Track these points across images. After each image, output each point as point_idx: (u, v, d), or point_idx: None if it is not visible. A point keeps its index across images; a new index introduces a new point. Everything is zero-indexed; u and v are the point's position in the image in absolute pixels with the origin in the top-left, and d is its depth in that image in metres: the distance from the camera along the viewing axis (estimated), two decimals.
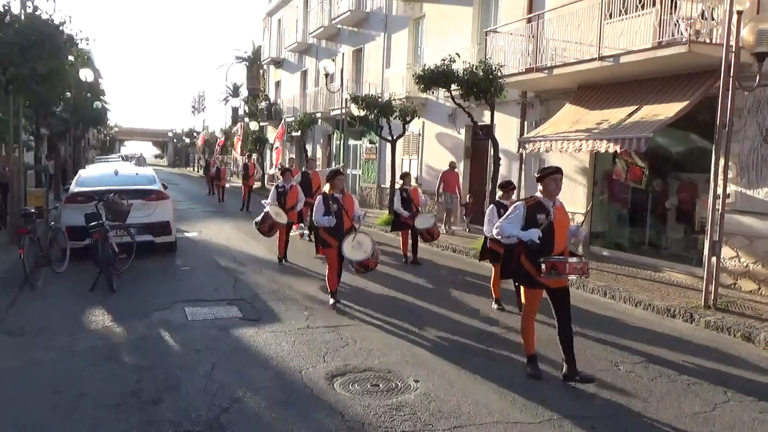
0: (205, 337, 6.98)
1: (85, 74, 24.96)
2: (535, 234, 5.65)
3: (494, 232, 6.03)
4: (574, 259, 5.87)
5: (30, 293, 8.95)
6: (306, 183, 14.16)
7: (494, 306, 8.69)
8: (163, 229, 11.91)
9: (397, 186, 13.21)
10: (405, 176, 12.52)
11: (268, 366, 6.13)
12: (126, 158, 47.80)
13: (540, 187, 6.00)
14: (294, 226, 13.20)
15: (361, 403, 5.19)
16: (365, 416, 4.94)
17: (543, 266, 5.66)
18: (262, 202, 11.86)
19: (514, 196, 15.41)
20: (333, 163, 25.35)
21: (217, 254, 12.73)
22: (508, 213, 6.06)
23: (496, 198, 8.88)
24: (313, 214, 8.37)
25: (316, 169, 16.77)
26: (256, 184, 27.61)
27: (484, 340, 7.19)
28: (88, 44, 14.00)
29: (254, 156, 33.11)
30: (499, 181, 10.89)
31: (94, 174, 13.67)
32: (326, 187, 8.51)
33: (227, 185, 29.79)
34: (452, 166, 17.17)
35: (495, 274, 8.52)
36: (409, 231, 12.20)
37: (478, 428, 4.79)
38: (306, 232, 14.86)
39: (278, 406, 5.14)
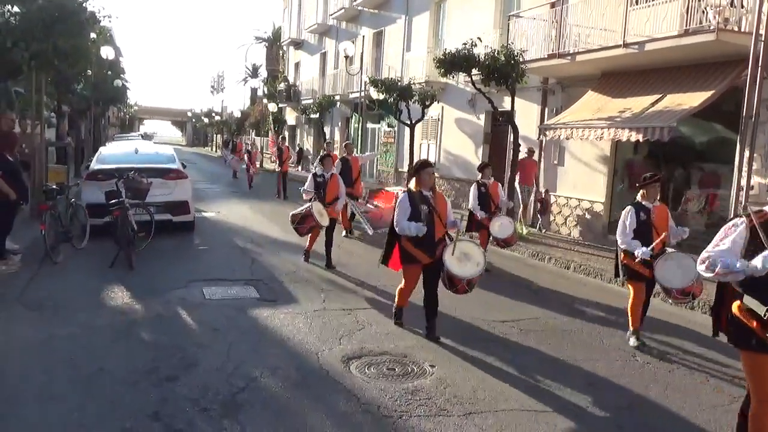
0: (222, 317, 7.02)
1: (106, 52, 25.03)
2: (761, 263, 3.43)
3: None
4: None
5: (50, 268, 9.05)
6: (346, 171, 12.40)
7: (632, 341, 6.65)
8: (181, 208, 11.97)
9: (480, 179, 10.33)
10: (484, 167, 10.34)
11: (284, 347, 6.16)
12: (145, 136, 48.06)
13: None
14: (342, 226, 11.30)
15: (376, 387, 5.21)
16: (381, 399, 4.96)
17: None
18: (300, 189, 10.18)
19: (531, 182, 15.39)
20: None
21: (234, 234, 12.79)
22: (720, 236, 3.84)
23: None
24: (395, 219, 6.39)
25: (355, 154, 14.54)
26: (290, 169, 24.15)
27: (503, 328, 7.17)
28: (110, 21, 14.02)
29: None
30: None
31: (115, 152, 13.75)
32: (411, 183, 6.60)
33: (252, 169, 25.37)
34: (530, 152, 14.71)
35: (634, 296, 6.69)
36: (487, 234, 9.96)
37: (494, 415, 4.79)
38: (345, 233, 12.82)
39: (294, 388, 5.16)
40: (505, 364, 5.88)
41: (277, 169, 22.82)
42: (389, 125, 23.93)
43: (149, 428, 4.39)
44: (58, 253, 9.62)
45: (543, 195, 14.65)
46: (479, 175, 10.33)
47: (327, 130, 30.04)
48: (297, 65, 38.62)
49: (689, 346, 6.86)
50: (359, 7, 26.20)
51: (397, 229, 6.37)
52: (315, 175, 9.91)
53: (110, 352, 5.84)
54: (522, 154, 14.47)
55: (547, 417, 4.80)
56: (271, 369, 5.52)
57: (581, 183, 13.87)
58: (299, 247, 11.60)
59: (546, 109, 15.09)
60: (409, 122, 19.07)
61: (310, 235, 9.75)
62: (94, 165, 12.22)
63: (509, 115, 14.36)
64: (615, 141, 12.41)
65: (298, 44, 37.78)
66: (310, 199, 9.63)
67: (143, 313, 7.12)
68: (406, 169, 19.47)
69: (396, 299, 6.86)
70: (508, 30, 14.67)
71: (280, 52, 46.68)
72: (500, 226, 9.67)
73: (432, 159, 20.26)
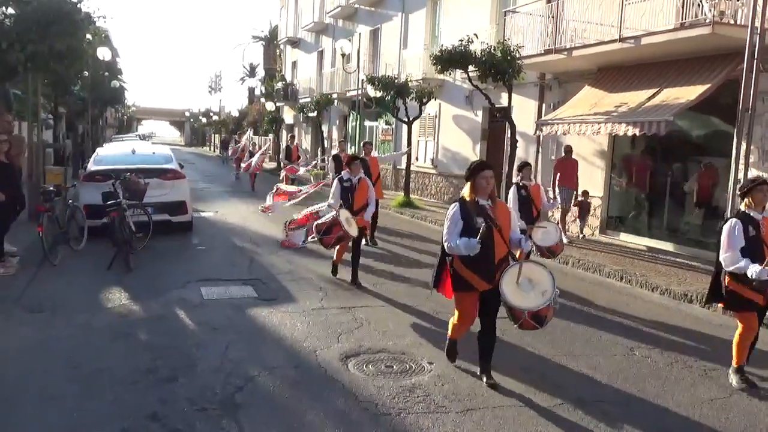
0: (221, 317, 7.03)
1: (103, 53, 24.99)
2: None
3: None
4: None
5: (48, 270, 9.05)
6: (364, 173, 11.04)
7: (736, 381, 5.51)
8: (179, 209, 11.97)
9: (514, 180, 9.59)
10: (524, 167, 9.10)
11: (282, 346, 6.17)
12: (143, 137, 48.04)
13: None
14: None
15: (374, 384, 5.21)
16: (379, 397, 4.96)
17: None
18: (328, 203, 8.88)
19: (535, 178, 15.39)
20: (351, 146, 25.07)
21: (233, 234, 12.79)
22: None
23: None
24: (444, 235, 5.19)
25: (373, 154, 13.28)
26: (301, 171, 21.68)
27: (501, 324, 7.14)
28: (105, 22, 14.04)
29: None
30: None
31: (112, 152, 13.75)
32: (465, 190, 5.27)
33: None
34: (569, 151, 13.23)
35: (744, 329, 5.54)
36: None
37: (492, 411, 4.79)
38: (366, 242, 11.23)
39: (292, 386, 5.17)
40: (503, 361, 5.85)
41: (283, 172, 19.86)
42: (387, 123, 23.91)
43: (148, 428, 4.39)
44: (57, 255, 9.62)
45: (581, 198, 13.21)
46: (518, 176, 9.23)
47: (325, 128, 30.02)
48: (294, 64, 38.59)
49: (687, 341, 6.88)
50: (356, 5, 26.15)
51: (446, 247, 5.21)
52: (341, 179, 8.77)
53: (109, 352, 5.85)
54: (463, 150, 13.88)
55: (545, 413, 4.81)
56: (270, 368, 5.52)
57: (579, 178, 13.87)
58: (298, 247, 11.60)
59: (543, 105, 15.08)
60: (406, 119, 19.05)
61: (337, 247, 8.62)
62: (91, 166, 12.21)
63: (506, 111, 14.35)
64: (612, 135, 12.41)
65: (295, 43, 37.76)
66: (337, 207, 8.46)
67: (142, 314, 7.12)
68: (404, 166, 19.48)
69: (449, 331, 5.68)
70: (505, 26, 14.64)
71: (278, 51, 46.67)
72: (544, 234, 8.02)
73: (430, 156, 20.31)
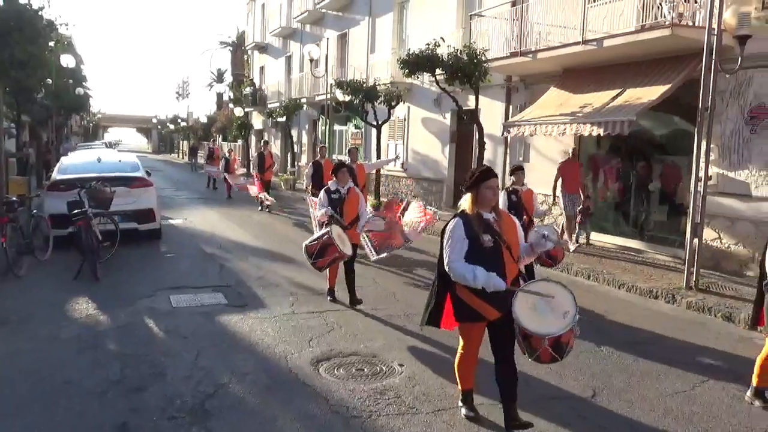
0: (190, 324, 6.97)
1: (66, 60, 24.60)
2: None
3: None
4: None
5: (13, 282, 8.88)
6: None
7: (758, 403, 5.11)
8: (147, 217, 11.86)
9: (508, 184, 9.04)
10: (516, 170, 8.60)
11: (253, 352, 6.14)
12: (109, 145, 47.37)
13: None
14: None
15: (346, 388, 5.23)
16: (350, 400, 4.98)
17: None
18: (315, 213, 8.34)
19: (498, 180, 15.56)
20: (317, 151, 25.00)
21: (202, 241, 12.68)
22: None
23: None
24: (446, 258, 4.36)
25: (360, 161, 12.34)
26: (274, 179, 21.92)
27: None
28: (68, 29, 13.82)
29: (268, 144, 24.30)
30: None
31: (77, 161, 13.54)
32: (465, 202, 4.48)
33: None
34: (574, 154, 12.47)
35: None
36: None
37: (461, 410, 4.83)
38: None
39: (263, 392, 5.16)
40: None
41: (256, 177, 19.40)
42: (356, 127, 23.94)
43: None
44: (21, 266, 9.45)
45: (584, 202, 12.22)
46: (509, 180, 8.81)
47: (294, 133, 29.92)
48: (262, 69, 38.41)
49: (653, 336, 7.02)
50: (323, 10, 26.15)
51: (450, 274, 4.34)
52: (329, 191, 8.00)
53: (76, 364, 5.76)
54: (433, 152, 12.67)
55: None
56: (240, 374, 5.50)
57: (547, 179, 14.03)
58: (268, 252, 11.60)
59: (510, 107, 15.24)
60: (375, 123, 19.11)
61: (329, 268, 7.79)
62: (56, 175, 12.03)
63: (474, 114, 14.48)
64: (578, 136, 12.60)
65: (262, 48, 37.60)
66: (325, 223, 7.79)
67: (109, 324, 7.03)
68: (374, 170, 19.51)
69: (458, 378, 4.75)
70: (470, 29, 14.79)
71: (245, 56, 46.39)
72: (538, 237, 7.83)
73: (400, 159, 20.36)
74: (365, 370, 5.66)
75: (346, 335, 6.68)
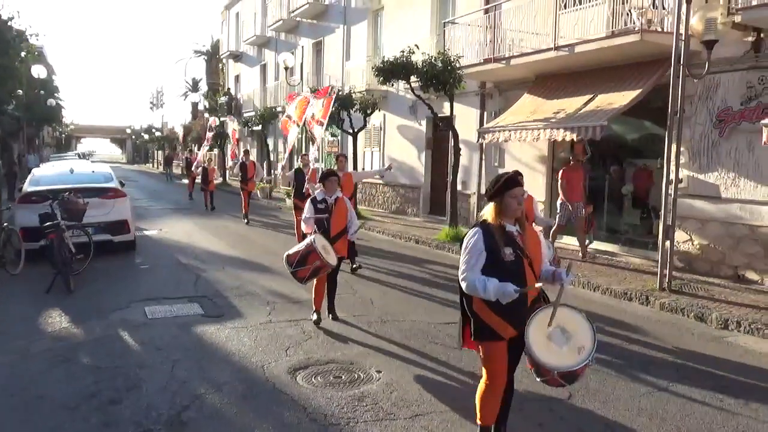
0: (166, 336, 6.90)
1: (38, 70, 24.31)
2: None
3: None
4: None
5: None
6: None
7: None
8: (121, 228, 11.73)
9: None
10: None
11: (229, 362, 6.10)
12: (82, 156, 46.79)
13: None
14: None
15: (323, 395, 5.21)
16: (328, 408, 4.97)
17: None
18: (304, 218, 7.53)
19: (474, 186, 15.54)
20: (297, 159, 24.91)
21: (178, 252, 12.57)
22: None
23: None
24: (461, 270, 3.99)
25: (348, 170, 11.83)
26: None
27: (448, 330, 7.26)
28: (38, 39, 13.67)
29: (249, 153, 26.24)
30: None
31: (49, 173, 13.37)
32: (487, 212, 4.09)
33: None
34: (577, 160, 11.75)
35: None
36: None
37: (439, 415, 4.86)
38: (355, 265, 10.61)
39: (240, 402, 5.12)
40: (450, 366, 5.96)
41: (240, 187, 18.80)
42: (333, 135, 23.94)
43: None
44: None
45: (586, 210, 11.59)
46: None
47: (270, 141, 29.84)
48: (237, 78, 38.30)
49: (627, 337, 7.10)
50: (297, 18, 26.17)
51: (463, 286, 3.99)
52: (315, 201, 7.54)
53: (49, 378, 5.67)
54: (409, 159, 12.11)
55: None
56: (217, 385, 5.46)
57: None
58: (245, 261, 11.52)
59: (485, 113, 15.37)
60: (351, 131, 19.14)
61: (315, 281, 7.30)
62: (27, 187, 11.84)
63: (449, 121, 14.57)
64: (551, 141, 12.74)
65: (237, 57, 37.49)
66: (310, 232, 7.32)
67: (83, 337, 6.93)
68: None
69: (477, 411, 4.21)
70: (444, 37, 14.90)
71: (220, 65, 46.20)
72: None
73: (376, 166, 20.38)
74: (343, 377, 5.65)
75: (323, 343, 6.66)
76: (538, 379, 4.01)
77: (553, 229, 11.60)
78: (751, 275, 9.63)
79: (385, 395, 5.24)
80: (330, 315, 7.57)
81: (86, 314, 7.76)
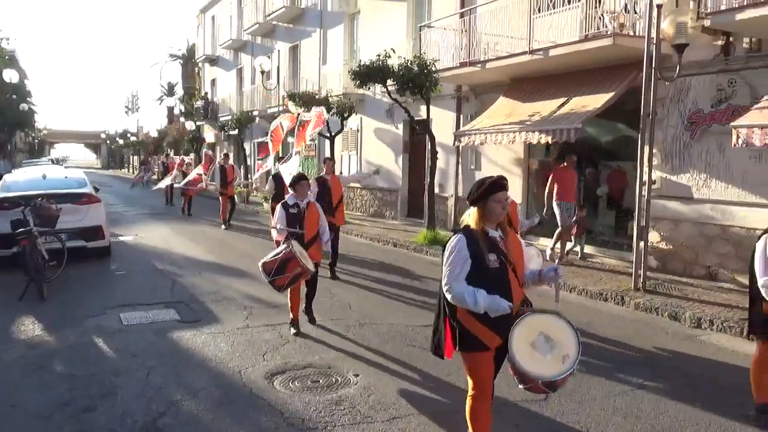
0: (141, 342, 6.84)
1: (9, 75, 24.00)
2: None
3: None
4: None
5: None
6: (324, 195, 10.29)
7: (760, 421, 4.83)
8: (95, 234, 11.59)
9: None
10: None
11: (206, 367, 6.06)
12: (56, 161, 46.17)
13: None
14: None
15: (301, 400, 5.20)
16: (305, 412, 4.95)
17: None
18: (275, 227, 7.31)
19: (451, 189, 15.60)
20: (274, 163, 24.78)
21: (154, 257, 12.45)
22: None
23: None
24: (445, 279, 3.80)
25: (335, 173, 11.40)
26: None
27: (426, 332, 7.27)
28: (9, 43, 13.46)
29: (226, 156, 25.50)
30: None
31: (21, 179, 13.16)
32: (470, 217, 3.93)
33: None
34: (569, 161, 11.50)
35: (761, 356, 4.86)
36: None
37: (417, 418, 4.87)
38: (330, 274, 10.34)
39: (217, 408, 5.09)
40: (428, 369, 5.96)
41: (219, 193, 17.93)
42: (310, 138, 23.88)
43: None
44: None
45: (579, 212, 11.54)
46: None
47: (247, 146, 29.69)
48: (213, 82, 38.06)
49: (603, 337, 7.17)
50: (274, 22, 26.09)
51: (447, 295, 3.81)
52: (286, 205, 7.30)
53: (22, 387, 5.59)
54: (387, 162, 11.88)
55: (458, 414, 4.89)
56: (193, 391, 5.42)
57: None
58: (222, 266, 11.44)
59: (461, 116, 15.45)
60: (328, 134, 19.12)
61: (289, 289, 7.09)
62: None
63: (426, 124, 14.63)
64: (527, 144, 12.85)
65: (213, 61, 37.26)
66: (283, 239, 7.06)
67: (57, 344, 6.84)
68: None
69: (470, 428, 4.04)
70: (420, 40, 14.97)
71: (196, 69, 45.90)
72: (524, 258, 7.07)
73: (354, 170, 20.37)
74: (320, 381, 5.64)
75: (301, 347, 6.65)
76: (520, 386, 3.93)
77: (557, 232, 11.39)
78: (723, 274, 9.79)
79: (363, 399, 5.24)
80: (308, 319, 7.47)
81: (60, 321, 7.66)
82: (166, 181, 22.71)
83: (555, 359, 3.73)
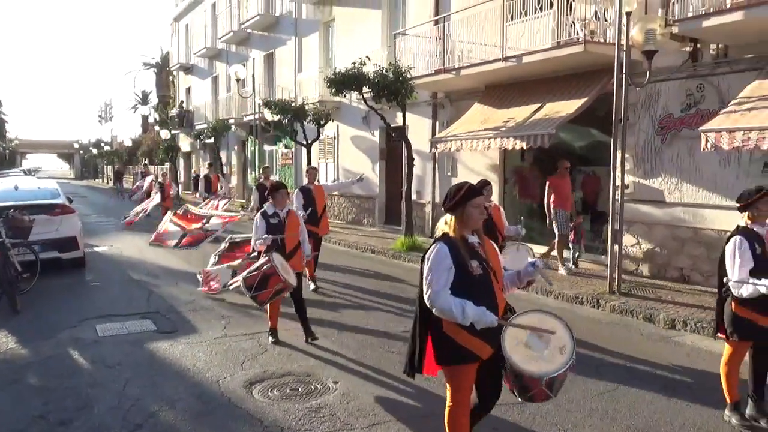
0: (118, 353, 6.77)
1: None
2: None
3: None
4: None
5: None
6: (308, 205, 10.18)
7: (734, 420, 4.84)
8: (69, 245, 11.46)
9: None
10: (485, 185, 7.01)
11: (184, 378, 6.02)
12: (28, 172, 45.47)
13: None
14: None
15: (280, 408, 5.19)
16: (284, 420, 4.95)
17: None
18: (255, 242, 7.11)
19: (428, 195, 15.67)
20: (251, 171, 24.70)
21: (129, 268, 12.33)
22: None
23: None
24: (428, 290, 3.62)
25: (317, 182, 11.22)
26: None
27: (404, 339, 7.30)
28: None
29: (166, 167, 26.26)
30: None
31: None
32: (445, 225, 3.82)
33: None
34: (565, 167, 11.18)
35: (733, 354, 4.88)
36: None
37: (396, 424, 4.89)
38: (313, 285, 10.12)
39: (195, 418, 5.06)
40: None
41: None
42: (286, 146, 23.85)
43: None
44: None
45: (575, 220, 11.29)
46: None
47: (223, 154, 29.55)
48: (188, 90, 37.84)
49: (580, 340, 7.24)
50: (248, 30, 26.03)
51: (434, 310, 3.63)
52: (265, 214, 7.12)
53: None
54: (362, 169, 11.54)
55: (437, 420, 4.93)
56: (171, 402, 5.38)
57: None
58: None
59: (437, 123, 15.55)
60: (305, 142, 19.11)
61: (268, 306, 7.04)
62: None
63: (402, 131, 14.70)
64: (502, 150, 12.96)
65: (187, 69, 37.04)
66: (261, 252, 6.98)
67: (31, 357, 6.74)
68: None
69: None
70: (395, 47, 15.05)
71: (171, 77, 45.60)
72: (514, 260, 6.68)
73: (331, 178, 20.37)
74: (299, 389, 5.63)
75: (279, 356, 6.63)
76: (520, 399, 3.73)
77: (556, 241, 11.17)
78: (696, 276, 9.96)
79: (342, 406, 5.25)
80: (309, 338, 7.07)
81: (34, 334, 7.55)
82: (152, 203, 21.54)
83: (552, 352, 3.60)
